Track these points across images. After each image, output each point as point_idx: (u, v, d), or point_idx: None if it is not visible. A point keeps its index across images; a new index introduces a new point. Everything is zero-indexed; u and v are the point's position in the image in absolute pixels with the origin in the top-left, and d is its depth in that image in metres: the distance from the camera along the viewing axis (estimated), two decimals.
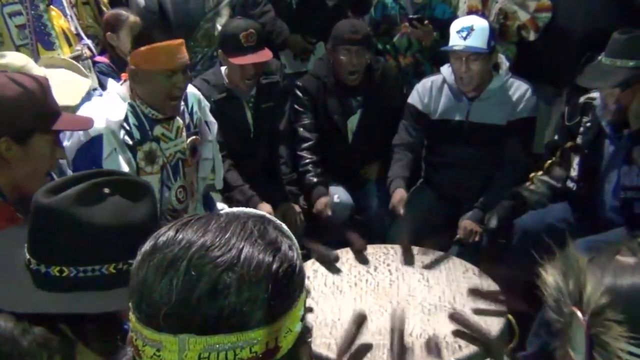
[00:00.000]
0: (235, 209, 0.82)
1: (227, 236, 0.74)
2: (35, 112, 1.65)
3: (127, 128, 2.25)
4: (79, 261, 1.10)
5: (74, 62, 2.19)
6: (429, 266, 2.29)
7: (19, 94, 1.62)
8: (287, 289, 0.76)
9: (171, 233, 0.76)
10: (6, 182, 1.67)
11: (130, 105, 2.27)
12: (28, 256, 1.13)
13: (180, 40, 2.25)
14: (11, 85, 1.63)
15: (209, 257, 0.72)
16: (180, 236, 0.75)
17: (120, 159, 2.20)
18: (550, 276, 0.91)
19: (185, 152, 2.41)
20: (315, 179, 3.03)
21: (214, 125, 2.60)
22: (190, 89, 2.48)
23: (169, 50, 2.19)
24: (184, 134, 2.41)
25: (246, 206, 2.73)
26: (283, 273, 0.75)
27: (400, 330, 1.82)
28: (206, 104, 2.58)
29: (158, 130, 2.32)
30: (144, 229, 1.12)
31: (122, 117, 2.23)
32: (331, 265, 2.31)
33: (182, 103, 2.40)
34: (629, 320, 0.82)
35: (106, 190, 1.15)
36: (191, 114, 2.46)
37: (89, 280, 1.10)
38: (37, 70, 2.00)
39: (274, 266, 0.74)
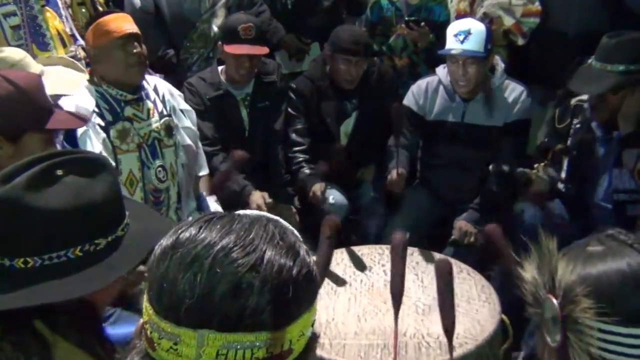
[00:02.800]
0: (249, 211, 0.83)
1: (250, 237, 0.76)
2: (28, 111, 1.64)
3: (98, 111, 2.33)
4: (42, 249, 1.05)
5: (71, 59, 2.22)
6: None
7: (11, 92, 1.61)
8: (304, 293, 0.77)
9: (193, 230, 0.77)
10: None
11: (97, 91, 2.35)
12: None
13: (125, 14, 2.41)
14: (4, 83, 1.62)
15: (233, 256, 0.74)
16: (204, 234, 0.76)
17: (94, 138, 2.28)
18: (527, 272, 0.96)
19: (160, 132, 2.47)
20: (308, 171, 3.03)
21: (191, 113, 2.66)
22: (161, 82, 2.59)
23: (114, 20, 2.32)
24: (156, 115, 2.48)
25: (240, 195, 2.80)
26: (302, 278, 0.77)
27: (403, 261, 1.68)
28: (179, 94, 2.66)
29: (129, 111, 2.40)
30: (105, 205, 1.10)
31: (92, 105, 2.31)
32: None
33: (153, 93, 2.49)
34: (599, 301, 0.87)
35: (59, 172, 1.09)
36: (163, 101, 2.53)
37: (56, 267, 1.05)
38: (34, 65, 2.01)
39: (295, 270, 0.76)
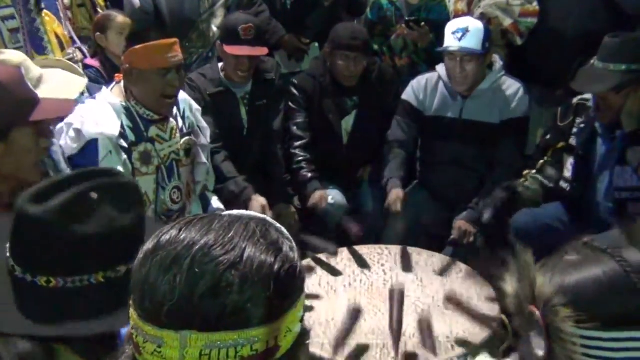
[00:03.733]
0: (236, 211, 0.83)
1: (230, 235, 0.75)
2: (11, 106, 1.59)
3: (121, 130, 2.26)
4: (67, 272, 1.06)
5: (70, 62, 2.19)
6: (442, 272, 2.28)
7: None
8: (288, 289, 0.77)
9: (174, 232, 0.77)
10: None
11: (125, 107, 2.29)
12: (12, 263, 1.08)
13: (175, 40, 2.28)
14: None
15: (212, 255, 0.73)
16: (183, 235, 0.76)
17: (116, 161, 2.21)
18: (509, 286, 0.97)
19: (179, 152, 2.43)
20: (309, 174, 3.02)
21: (207, 131, 2.63)
22: (182, 95, 2.51)
23: (163, 48, 2.23)
24: (178, 135, 2.43)
25: (239, 197, 2.79)
26: (284, 273, 0.76)
27: (400, 306, 1.74)
28: (197, 109, 2.62)
29: (153, 131, 2.35)
30: (132, 234, 1.10)
31: (117, 131, 2.24)
32: (327, 256, 2.31)
33: (174, 107, 2.42)
34: (578, 309, 0.88)
35: (93, 196, 1.09)
36: (184, 117, 2.50)
37: (78, 290, 1.06)
38: (34, 68, 1.99)
39: (276, 266, 0.75)
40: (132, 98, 2.30)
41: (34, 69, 1.97)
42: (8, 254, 1.09)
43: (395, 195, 2.85)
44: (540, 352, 0.93)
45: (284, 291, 0.76)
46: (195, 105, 2.61)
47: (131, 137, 2.30)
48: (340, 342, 1.65)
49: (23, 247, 1.08)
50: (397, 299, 1.77)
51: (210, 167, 2.70)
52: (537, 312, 0.92)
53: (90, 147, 2.18)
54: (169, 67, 2.24)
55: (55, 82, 2.00)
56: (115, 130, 2.23)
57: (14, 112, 1.61)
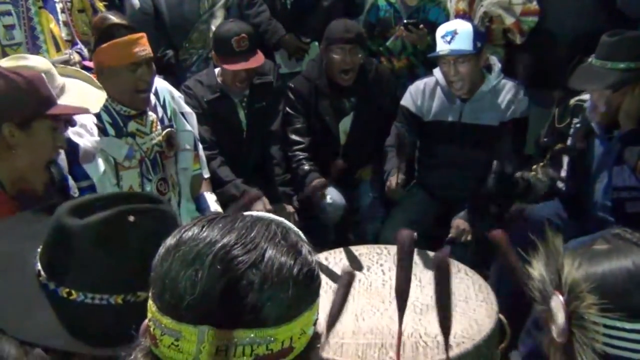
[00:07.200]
0: (254, 212, 0.84)
1: (251, 235, 0.77)
2: (34, 97, 1.70)
3: (101, 126, 2.29)
4: (90, 288, 1.06)
5: (88, 74, 2.21)
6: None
7: (17, 81, 1.67)
8: (305, 291, 0.78)
9: (196, 229, 0.78)
10: (7, 173, 1.72)
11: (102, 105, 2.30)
12: (39, 268, 1.09)
13: (141, 34, 2.30)
14: (9, 74, 1.68)
15: (233, 253, 0.74)
16: (205, 233, 0.77)
17: (99, 160, 2.24)
18: (535, 270, 0.97)
19: (161, 144, 2.45)
20: (307, 167, 3.05)
21: (191, 116, 2.64)
22: (162, 84, 2.54)
23: (130, 44, 2.25)
24: (159, 127, 2.45)
25: (239, 200, 2.79)
26: (303, 276, 0.77)
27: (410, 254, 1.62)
28: (180, 96, 2.63)
29: (132, 126, 2.37)
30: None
31: (95, 140, 2.25)
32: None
33: (154, 97, 2.45)
34: (604, 298, 0.88)
35: (131, 219, 1.09)
36: (164, 106, 2.50)
37: (95, 308, 1.06)
38: (58, 77, 2.02)
39: (295, 269, 0.77)
40: (108, 96, 2.30)
41: (57, 77, 2.00)
42: (37, 258, 1.10)
43: (394, 180, 2.84)
44: (560, 339, 0.93)
45: (301, 294, 0.77)
46: (177, 93, 2.62)
47: (111, 132, 2.31)
48: (334, 314, 1.54)
49: (54, 256, 1.08)
50: (405, 249, 1.63)
51: (200, 154, 2.71)
52: (561, 297, 0.92)
53: (72, 146, 2.18)
54: (137, 61, 2.25)
55: (77, 94, 2.03)
56: (93, 140, 2.24)
57: (37, 103, 1.71)
